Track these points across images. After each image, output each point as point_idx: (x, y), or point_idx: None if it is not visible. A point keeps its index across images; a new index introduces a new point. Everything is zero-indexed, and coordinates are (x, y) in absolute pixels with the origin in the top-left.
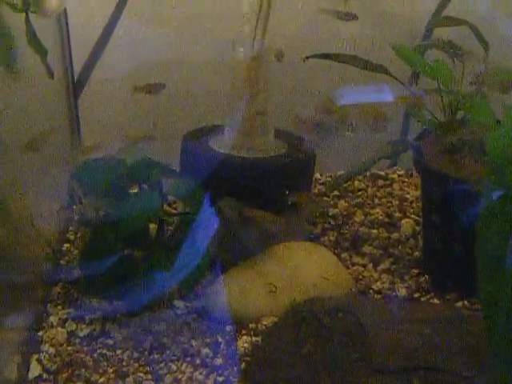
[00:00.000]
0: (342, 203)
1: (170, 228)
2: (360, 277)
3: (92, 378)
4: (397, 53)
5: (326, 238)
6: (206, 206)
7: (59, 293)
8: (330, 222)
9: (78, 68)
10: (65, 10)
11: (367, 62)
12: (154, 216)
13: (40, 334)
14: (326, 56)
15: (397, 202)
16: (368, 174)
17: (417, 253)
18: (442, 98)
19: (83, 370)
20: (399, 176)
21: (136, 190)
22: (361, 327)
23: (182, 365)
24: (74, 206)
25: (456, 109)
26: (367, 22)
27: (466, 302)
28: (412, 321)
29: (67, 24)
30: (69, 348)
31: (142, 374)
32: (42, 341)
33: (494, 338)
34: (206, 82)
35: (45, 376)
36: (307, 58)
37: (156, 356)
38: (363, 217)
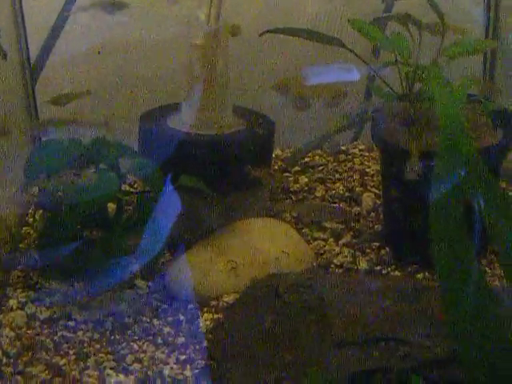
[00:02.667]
0: (303, 178)
1: (130, 208)
2: (321, 251)
3: (53, 361)
4: (353, 27)
5: (288, 213)
6: (165, 185)
7: (19, 276)
8: (291, 198)
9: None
10: None
11: (322, 35)
12: (112, 196)
13: None
14: (281, 31)
15: (358, 177)
16: (328, 149)
17: (378, 226)
18: (400, 71)
19: (44, 352)
20: (360, 150)
21: (93, 171)
22: (321, 301)
23: (143, 344)
24: (33, 188)
25: (413, 81)
26: None
27: (426, 274)
28: (372, 293)
29: (21, 8)
30: (29, 331)
31: (103, 355)
32: (1, 325)
33: (450, 307)
34: (163, 62)
35: (4, 360)
36: (263, 33)
37: (117, 336)
38: (324, 192)
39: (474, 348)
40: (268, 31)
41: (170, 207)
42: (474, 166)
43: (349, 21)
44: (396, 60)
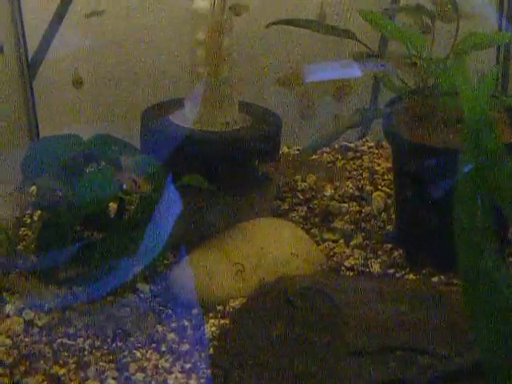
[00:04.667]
0: (311, 177)
1: (132, 207)
2: (331, 253)
3: (51, 370)
4: (364, 18)
5: (295, 213)
6: (169, 184)
7: (16, 280)
8: (298, 197)
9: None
10: None
11: (331, 28)
12: (113, 195)
13: None
14: (288, 22)
15: (367, 175)
16: (337, 146)
17: (389, 226)
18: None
19: (42, 361)
20: (369, 148)
21: (93, 169)
22: (333, 307)
23: (146, 352)
24: (31, 188)
25: (427, 75)
26: None
27: (442, 277)
28: (387, 298)
29: (19, 2)
30: (26, 339)
31: (104, 364)
32: None
33: (475, 314)
34: (166, 57)
35: (0, 370)
36: (270, 24)
37: (119, 344)
38: (333, 191)
39: (501, 358)
40: (275, 23)
41: (173, 207)
42: (500, 163)
43: (359, 12)
44: (409, 53)
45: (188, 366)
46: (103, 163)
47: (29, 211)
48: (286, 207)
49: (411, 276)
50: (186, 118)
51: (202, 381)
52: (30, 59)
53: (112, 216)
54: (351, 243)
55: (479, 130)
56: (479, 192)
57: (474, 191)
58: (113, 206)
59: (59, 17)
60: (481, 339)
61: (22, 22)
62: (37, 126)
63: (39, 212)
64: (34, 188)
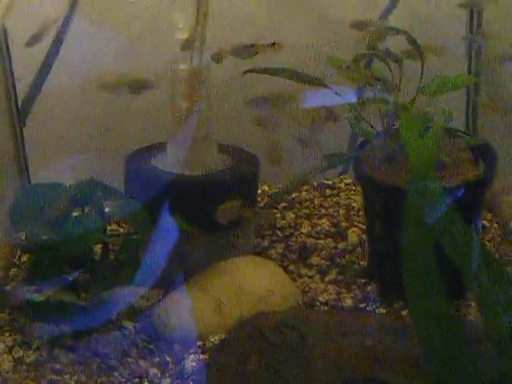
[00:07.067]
0: (290, 214)
1: (117, 248)
2: (307, 288)
3: None
4: (330, 65)
5: (274, 250)
6: (150, 226)
7: (6, 319)
8: (277, 234)
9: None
10: (4, 28)
11: (303, 75)
12: (95, 238)
13: None
14: (264, 71)
15: (344, 212)
16: (315, 184)
17: (363, 262)
18: (380, 108)
19: None
20: (346, 185)
21: (79, 213)
22: (303, 341)
23: None
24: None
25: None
26: (311, 30)
27: None
28: (355, 332)
29: (7, 44)
30: (15, 376)
31: None
32: None
33: (426, 346)
34: (150, 99)
35: None
36: (246, 72)
37: (104, 379)
38: (310, 227)
39: None
40: (249, 71)
41: (155, 248)
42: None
43: (328, 60)
44: (376, 97)
45: None
46: (88, 208)
47: (18, 253)
48: (266, 244)
49: (382, 310)
50: (168, 162)
51: None
52: (19, 106)
53: (97, 257)
54: (326, 279)
55: (423, 176)
56: (424, 236)
57: (420, 236)
58: (98, 247)
59: (50, 59)
60: (432, 370)
61: (10, 65)
62: (27, 171)
63: (28, 255)
64: (21, 233)
